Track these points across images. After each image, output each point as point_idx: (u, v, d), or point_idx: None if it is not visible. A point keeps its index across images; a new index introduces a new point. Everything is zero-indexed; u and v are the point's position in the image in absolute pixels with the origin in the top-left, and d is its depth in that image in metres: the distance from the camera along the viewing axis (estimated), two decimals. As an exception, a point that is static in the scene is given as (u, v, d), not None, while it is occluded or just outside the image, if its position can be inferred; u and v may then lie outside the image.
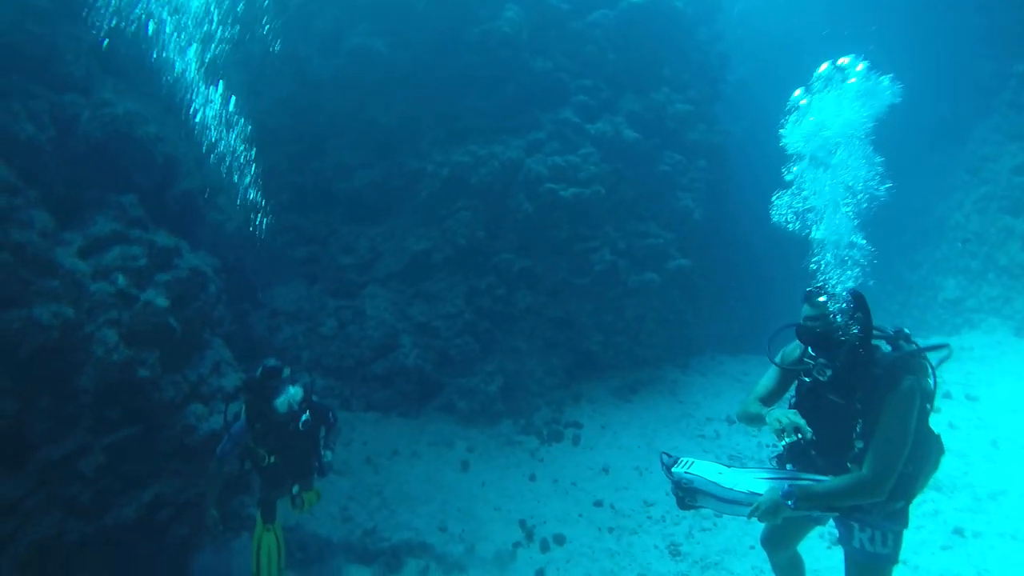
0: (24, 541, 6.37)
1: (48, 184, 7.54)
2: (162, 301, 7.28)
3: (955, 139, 16.17)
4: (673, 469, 3.59)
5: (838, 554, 4.12)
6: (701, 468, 3.56)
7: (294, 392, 5.37)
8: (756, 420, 3.65)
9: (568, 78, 12.39)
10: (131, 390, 6.86)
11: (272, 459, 5.55)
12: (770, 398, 3.81)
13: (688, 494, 3.52)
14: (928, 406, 3.41)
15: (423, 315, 11.38)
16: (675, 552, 7.33)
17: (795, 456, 3.55)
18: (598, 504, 8.49)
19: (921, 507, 7.18)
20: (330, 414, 5.90)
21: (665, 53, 13.28)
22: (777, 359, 3.86)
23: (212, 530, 5.49)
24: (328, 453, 5.82)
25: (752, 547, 7.00)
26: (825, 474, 3.42)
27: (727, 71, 16.28)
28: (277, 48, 11.51)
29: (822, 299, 3.36)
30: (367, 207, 12.21)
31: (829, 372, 3.38)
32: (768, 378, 3.90)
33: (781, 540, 4.19)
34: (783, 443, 3.40)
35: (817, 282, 3.48)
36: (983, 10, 15.55)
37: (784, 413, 3.40)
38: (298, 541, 7.71)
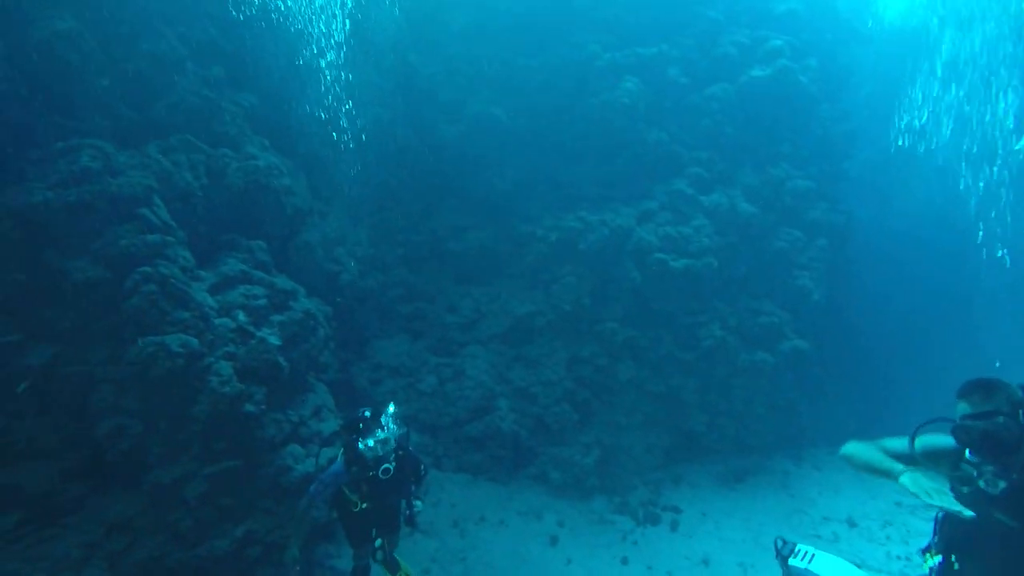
0: (132, 559, 6.63)
1: (195, 226, 8.31)
2: (275, 339, 7.65)
3: None
4: (791, 561, 3.11)
5: None
6: (825, 564, 3.05)
7: (383, 437, 5.35)
8: (880, 470, 2.92)
9: (683, 150, 12.30)
10: (237, 424, 7.14)
11: (363, 505, 5.51)
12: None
13: None
14: None
15: (522, 379, 11.23)
16: (785, 669, 6.44)
17: None
18: (696, 601, 7.73)
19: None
20: (421, 466, 5.82)
21: (785, 129, 12.92)
22: (918, 449, 2.99)
23: (290, 571, 5.44)
24: (418, 503, 5.70)
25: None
26: None
27: (852, 150, 15.55)
28: (405, 112, 12.38)
29: (986, 394, 2.70)
30: (475, 267, 12.46)
31: (1002, 484, 2.66)
32: (902, 448, 3.07)
33: None
34: (928, 564, 2.83)
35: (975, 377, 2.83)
36: None
37: (931, 479, 2.69)
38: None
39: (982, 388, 2.74)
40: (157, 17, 8.82)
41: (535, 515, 9.78)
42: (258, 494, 7.29)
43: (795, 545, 3.23)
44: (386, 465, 5.31)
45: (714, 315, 11.55)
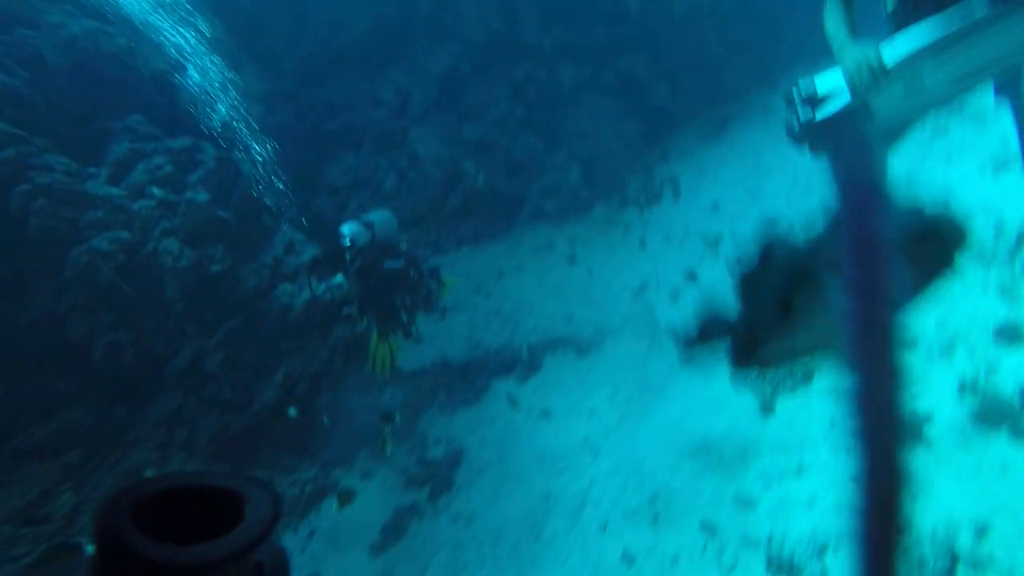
0: (203, 438, 6.72)
1: (52, 131, 7.31)
2: (202, 195, 7.06)
3: None
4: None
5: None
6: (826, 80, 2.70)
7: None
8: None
9: None
10: (214, 287, 6.84)
11: None
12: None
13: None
14: None
15: (474, 133, 10.57)
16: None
17: None
18: (718, 237, 7.80)
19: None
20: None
21: None
22: None
23: None
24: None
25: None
26: None
27: None
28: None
29: None
30: (373, 56, 11.24)
31: None
32: None
33: None
34: None
35: None
36: None
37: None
38: (440, 364, 7.80)
39: None
40: None
41: (546, 248, 9.75)
42: (274, 339, 7.21)
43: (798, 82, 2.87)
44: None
45: (634, -28, 10.36)
